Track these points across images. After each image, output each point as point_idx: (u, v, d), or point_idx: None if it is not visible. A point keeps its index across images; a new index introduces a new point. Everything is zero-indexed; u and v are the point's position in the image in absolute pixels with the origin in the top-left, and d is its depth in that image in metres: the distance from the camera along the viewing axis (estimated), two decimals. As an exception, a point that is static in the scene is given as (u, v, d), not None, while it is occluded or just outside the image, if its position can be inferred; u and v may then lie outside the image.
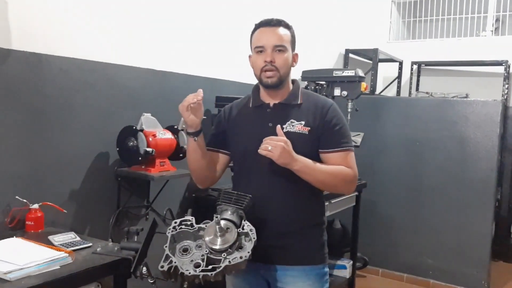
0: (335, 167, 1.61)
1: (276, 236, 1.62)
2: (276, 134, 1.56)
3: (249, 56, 1.73)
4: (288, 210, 1.64)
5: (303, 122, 1.63)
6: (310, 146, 1.62)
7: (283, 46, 1.61)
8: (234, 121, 1.74)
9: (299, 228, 1.65)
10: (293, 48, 1.67)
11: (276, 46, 1.60)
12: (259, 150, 1.51)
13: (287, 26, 1.66)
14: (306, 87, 3.11)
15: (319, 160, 1.63)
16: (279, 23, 1.64)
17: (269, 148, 1.48)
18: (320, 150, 1.63)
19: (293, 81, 1.73)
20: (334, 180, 1.61)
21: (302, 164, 1.54)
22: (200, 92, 1.59)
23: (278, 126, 1.55)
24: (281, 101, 1.67)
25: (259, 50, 1.63)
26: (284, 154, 1.49)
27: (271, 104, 1.68)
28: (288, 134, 1.58)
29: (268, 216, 1.61)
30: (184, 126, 1.62)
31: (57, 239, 1.77)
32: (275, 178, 1.61)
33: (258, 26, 1.67)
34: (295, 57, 1.69)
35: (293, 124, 1.63)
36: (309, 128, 1.62)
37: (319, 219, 1.72)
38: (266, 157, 1.51)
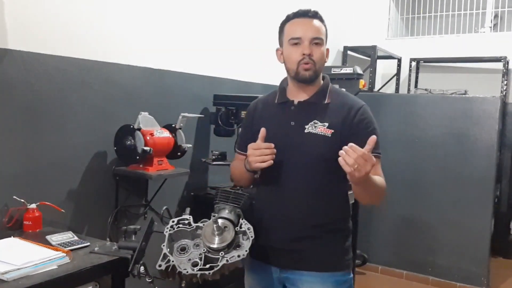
0: (381, 179, 1.50)
1: (294, 239, 1.56)
2: (297, 135, 1.50)
3: (277, 50, 1.62)
4: (310, 213, 1.55)
5: (326, 124, 1.52)
6: (332, 149, 1.42)
7: (321, 38, 1.52)
8: (258, 118, 1.66)
9: (320, 232, 1.56)
10: (326, 42, 1.58)
11: (314, 38, 1.51)
12: (339, 160, 1.30)
13: (322, 19, 1.57)
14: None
15: (340, 167, 1.40)
16: (315, 14, 1.55)
17: (355, 166, 1.28)
18: None
19: (323, 78, 1.63)
20: (379, 194, 1.50)
21: (370, 181, 1.40)
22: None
23: (354, 145, 1.30)
24: (306, 99, 1.58)
25: (295, 42, 1.52)
26: (365, 176, 1.32)
27: (295, 102, 1.59)
28: (308, 135, 1.52)
29: (287, 218, 1.56)
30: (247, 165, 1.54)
31: (54, 238, 1.76)
32: (297, 179, 1.54)
33: (292, 16, 1.56)
34: (327, 52, 1.59)
35: (315, 125, 1.53)
36: (332, 131, 1.51)
37: (342, 224, 1.62)
38: (287, 156, 1.47)
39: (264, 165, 1.45)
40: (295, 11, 1.57)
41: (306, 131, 1.53)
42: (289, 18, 1.58)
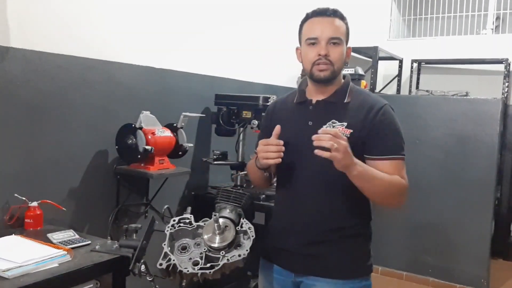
0: (392, 177, 1.44)
1: (310, 244, 1.51)
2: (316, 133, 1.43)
3: (297, 49, 1.57)
4: (327, 216, 1.50)
5: (345, 123, 1.46)
6: (351, 149, 1.36)
7: (339, 38, 1.46)
8: (277, 118, 1.60)
9: (338, 237, 1.50)
10: (347, 41, 1.51)
11: (332, 38, 1.45)
12: (315, 151, 1.29)
13: (342, 17, 1.51)
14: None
15: None
16: (335, 13, 1.49)
17: (335, 146, 1.27)
18: (366, 156, 1.46)
19: (344, 77, 1.58)
20: (390, 191, 1.44)
21: (362, 168, 1.37)
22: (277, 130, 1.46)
23: (323, 129, 1.34)
24: (325, 99, 1.52)
25: (311, 42, 1.47)
26: (347, 156, 1.31)
27: (314, 101, 1.54)
28: None
29: (304, 221, 1.51)
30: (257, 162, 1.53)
31: (56, 236, 1.77)
32: (315, 180, 1.49)
33: (310, 15, 1.51)
34: (348, 51, 1.53)
35: (334, 124, 1.47)
36: (351, 131, 1.45)
37: (362, 229, 1.55)
38: (304, 156, 1.43)
39: (271, 161, 1.40)
40: (314, 9, 1.52)
41: None
42: (307, 17, 1.52)
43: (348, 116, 1.48)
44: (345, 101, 1.52)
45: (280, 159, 1.40)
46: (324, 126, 1.45)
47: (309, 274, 1.52)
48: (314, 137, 1.30)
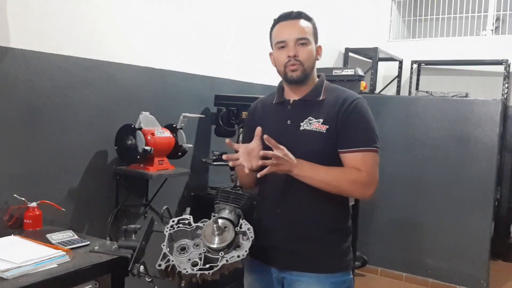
0: (341, 169, 1.51)
1: (291, 241, 1.56)
2: (293, 132, 1.52)
3: (270, 54, 1.64)
4: (307, 214, 1.56)
5: (321, 120, 1.53)
6: (327, 145, 1.51)
7: (306, 38, 1.53)
8: (258, 118, 1.68)
9: (317, 233, 1.56)
10: (315, 40, 1.58)
11: (299, 39, 1.52)
12: (258, 175, 1.44)
13: (308, 18, 1.57)
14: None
15: (340, 161, 1.53)
16: (299, 15, 1.56)
17: (274, 162, 1.42)
18: (339, 150, 1.53)
19: (318, 76, 1.65)
20: (340, 184, 1.49)
21: (301, 170, 1.47)
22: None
23: (266, 136, 1.44)
24: (301, 98, 1.59)
25: (281, 45, 1.54)
26: (284, 165, 1.44)
27: (291, 101, 1.61)
28: (303, 132, 1.53)
29: (285, 219, 1.57)
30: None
31: (55, 237, 1.77)
32: (294, 180, 1.52)
33: (277, 20, 1.58)
34: (318, 50, 1.60)
35: (310, 121, 1.54)
36: (327, 126, 1.51)
37: (341, 225, 1.60)
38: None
39: (246, 170, 1.48)
40: (280, 15, 1.59)
41: (301, 128, 1.54)
42: (275, 23, 1.59)
43: (324, 112, 1.54)
44: (320, 98, 1.58)
45: (250, 167, 1.48)
46: (302, 123, 1.54)
47: (293, 270, 1.56)
48: (261, 153, 1.43)
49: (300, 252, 1.56)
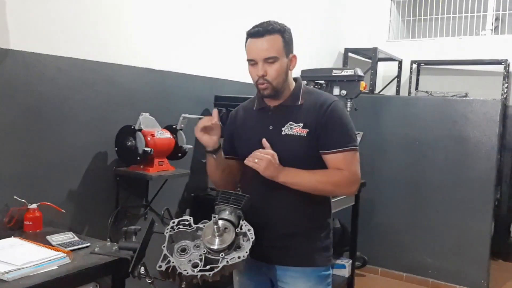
0: (324, 172, 1.58)
1: (278, 237, 1.62)
2: (276, 137, 1.57)
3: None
4: (291, 212, 1.63)
5: (301, 124, 1.59)
6: (309, 148, 1.58)
7: (273, 57, 1.55)
8: (240, 124, 1.75)
9: (302, 230, 1.64)
10: (287, 52, 1.59)
11: (266, 59, 1.55)
12: (245, 161, 1.53)
13: (278, 31, 1.56)
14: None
15: (322, 163, 1.60)
16: (266, 31, 1.55)
17: (256, 160, 1.50)
18: (320, 152, 1.59)
19: (296, 80, 1.69)
20: (325, 187, 1.59)
21: (287, 176, 1.54)
22: (215, 114, 1.63)
23: (264, 140, 1.56)
24: (281, 103, 1.64)
25: (251, 63, 1.60)
26: (270, 167, 1.51)
27: (272, 107, 1.66)
28: (285, 137, 1.59)
29: (271, 217, 1.62)
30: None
31: (55, 239, 1.77)
32: (275, 182, 1.57)
33: (248, 36, 1.61)
34: (292, 60, 1.62)
35: (291, 126, 1.60)
36: (307, 130, 1.58)
37: (323, 222, 1.69)
38: None
39: (208, 122, 1.64)
40: (249, 29, 1.60)
41: (283, 133, 1.60)
42: (246, 37, 1.62)
43: (303, 117, 1.60)
44: (299, 103, 1.64)
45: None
46: (283, 128, 1.60)
47: (281, 264, 1.64)
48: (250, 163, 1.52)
49: (285, 248, 1.63)
